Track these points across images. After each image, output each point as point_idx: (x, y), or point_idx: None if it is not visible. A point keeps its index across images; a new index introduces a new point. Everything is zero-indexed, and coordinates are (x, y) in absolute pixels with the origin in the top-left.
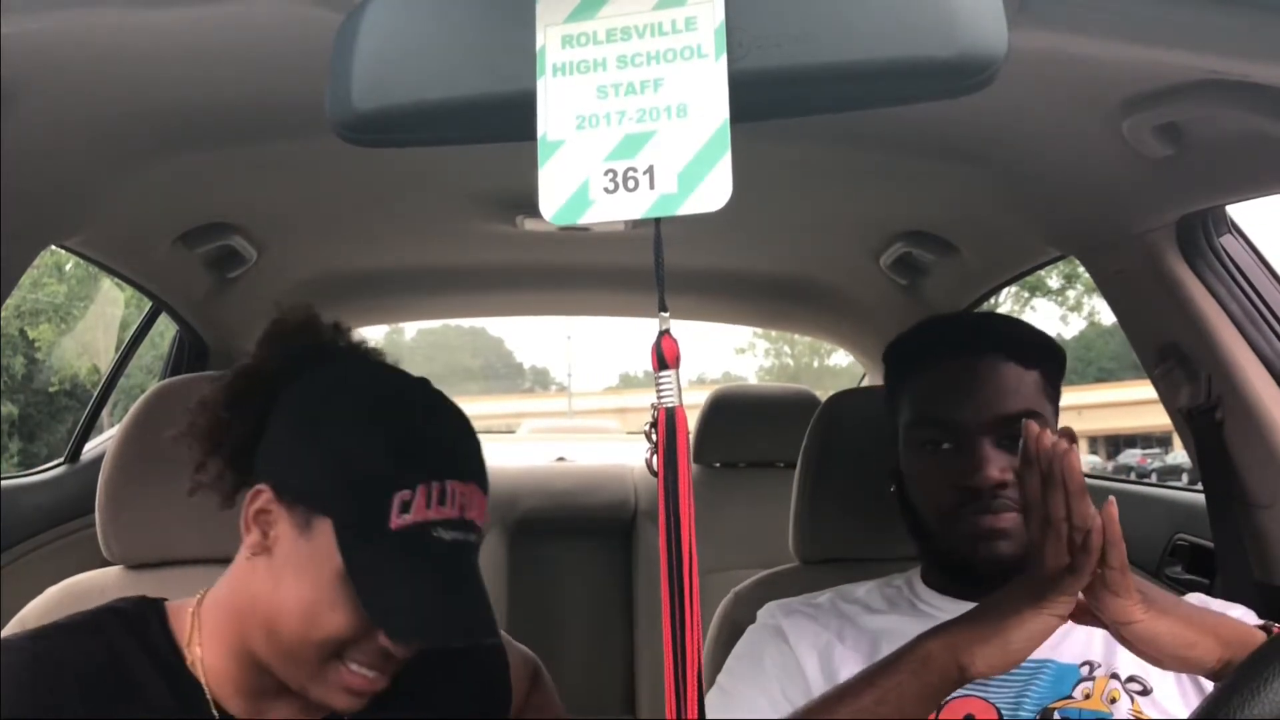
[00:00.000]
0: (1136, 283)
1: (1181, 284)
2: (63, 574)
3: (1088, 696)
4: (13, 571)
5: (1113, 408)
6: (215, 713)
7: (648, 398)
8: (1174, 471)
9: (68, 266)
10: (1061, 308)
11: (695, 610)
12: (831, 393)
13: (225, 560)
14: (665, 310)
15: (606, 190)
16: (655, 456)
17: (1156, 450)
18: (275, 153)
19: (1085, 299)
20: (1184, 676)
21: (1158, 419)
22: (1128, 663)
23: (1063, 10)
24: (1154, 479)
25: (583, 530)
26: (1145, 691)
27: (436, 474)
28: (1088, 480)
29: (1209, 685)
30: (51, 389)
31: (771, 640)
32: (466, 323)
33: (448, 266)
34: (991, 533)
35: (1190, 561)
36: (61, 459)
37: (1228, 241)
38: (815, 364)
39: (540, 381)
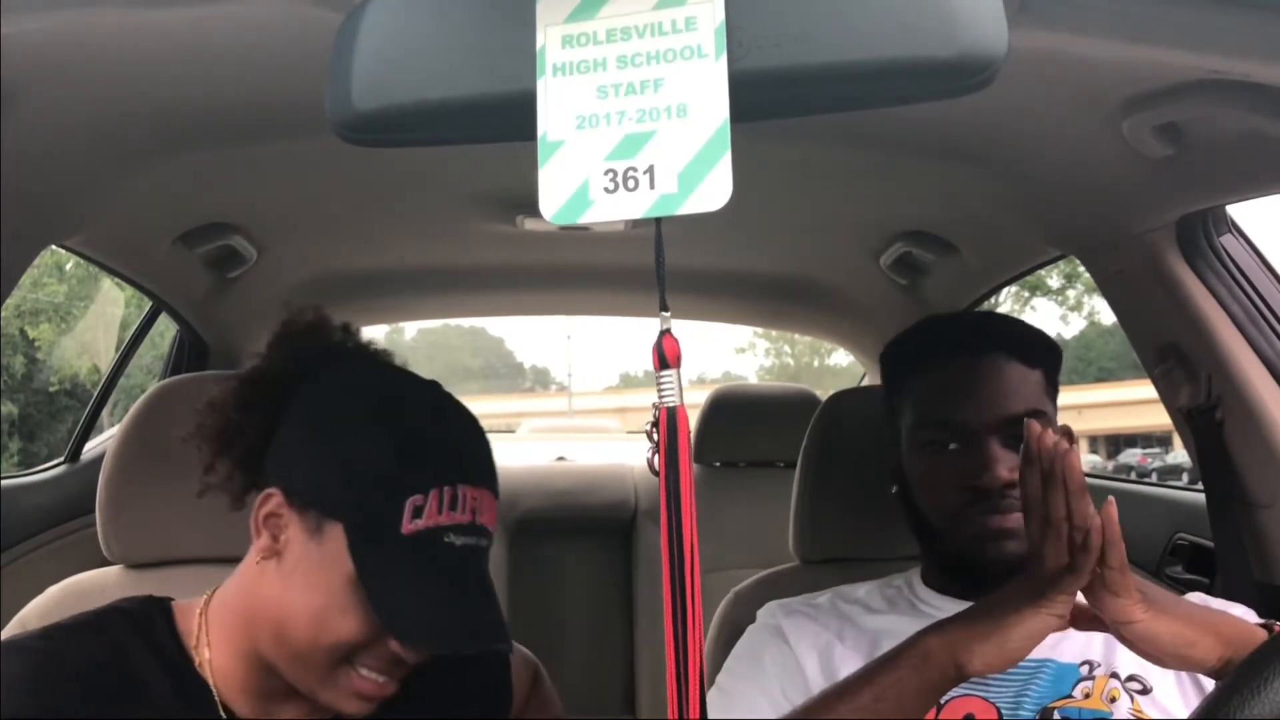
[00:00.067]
0: (1136, 283)
1: (1181, 284)
2: (63, 574)
3: (1087, 696)
4: (13, 571)
5: (1113, 407)
6: (223, 714)
7: (648, 397)
8: (1174, 471)
9: (68, 266)
10: (1061, 308)
11: (697, 610)
12: (831, 393)
13: (226, 559)
14: (666, 310)
15: (606, 190)
16: (656, 456)
17: (1157, 450)
18: (275, 153)
19: (1085, 299)
20: (1184, 675)
21: (1158, 419)
22: (1127, 662)
23: (1063, 10)
24: (1154, 479)
25: (583, 530)
26: (1145, 691)
27: (448, 479)
28: (1088, 480)
29: (1209, 684)
30: (51, 389)
31: (771, 640)
32: (466, 323)
33: (448, 266)
34: (1000, 533)
35: (1190, 561)
36: (61, 459)
37: (1228, 241)
38: (815, 364)
39: (540, 381)
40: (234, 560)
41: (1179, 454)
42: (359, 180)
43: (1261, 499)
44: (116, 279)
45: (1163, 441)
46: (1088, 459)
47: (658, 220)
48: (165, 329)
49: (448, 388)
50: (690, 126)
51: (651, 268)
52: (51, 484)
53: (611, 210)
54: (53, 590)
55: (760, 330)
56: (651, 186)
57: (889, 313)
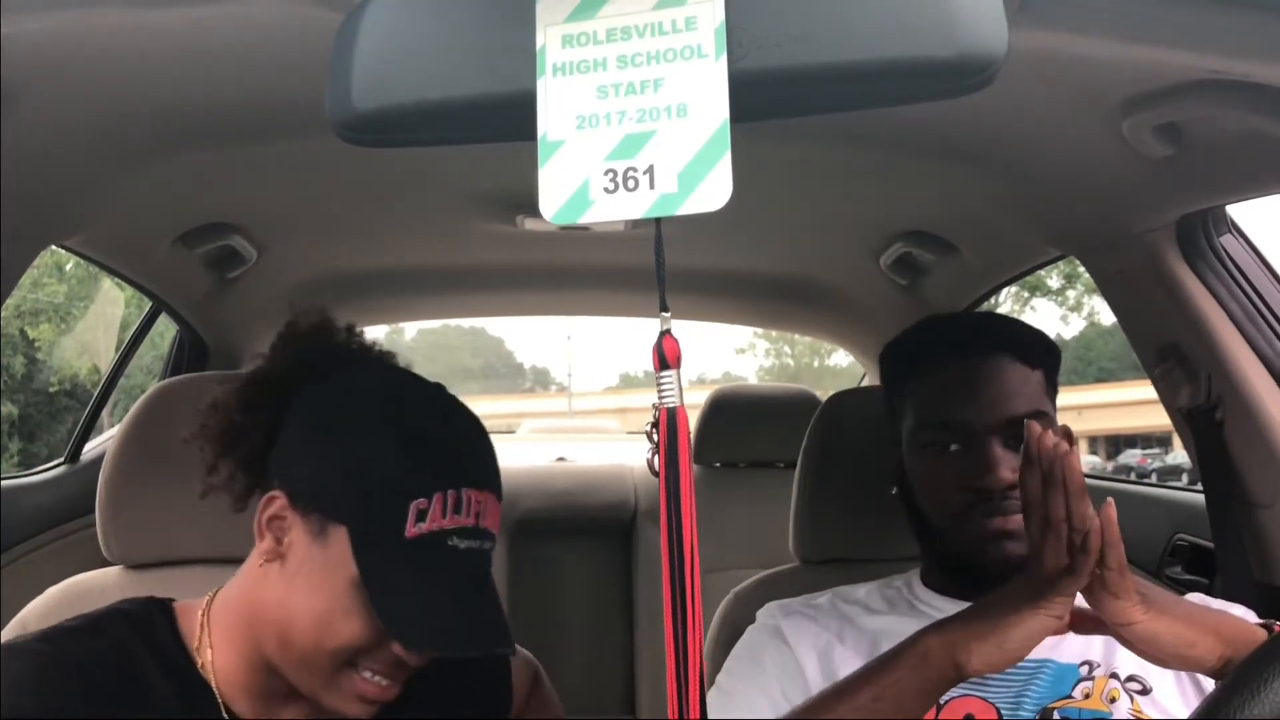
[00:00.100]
0: (1136, 283)
1: (1181, 284)
2: (63, 574)
3: (1087, 696)
4: (13, 571)
5: (1113, 408)
6: (225, 715)
7: (648, 398)
8: (1174, 471)
9: (68, 266)
10: (1061, 308)
11: (697, 610)
12: (831, 393)
13: (226, 560)
14: (666, 310)
15: (606, 190)
16: (656, 456)
17: (1156, 450)
18: (275, 153)
19: (1085, 299)
20: (1184, 676)
21: (1158, 419)
22: (1127, 662)
23: (1063, 10)
24: (1154, 479)
25: (583, 530)
26: (1145, 691)
27: (453, 482)
28: (1087, 480)
29: (1209, 684)
30: (51, 389)
31: (771, 640)
32: (466, 323)
33: (448, 266)
34: (1001, 534)
35: (1190, 561)
36: (61, 459)
37: (1228, 241)
38: (815, 364)
39: (540, 381)
40: (234, 560)
41: (1179, 454)
42: (359, 180)
43: (1261, 499)
44: (116, 279)
45: (1163, 442)
46: (1087, 459)
47: (658, 220)
48: (165, 329)
49: (447, 388)
50: (690, 126)
51: (651, 268)
52: (51, 484)
53: (611, 210)
54: (53, 590)
55: (760, 330)
56: (651, 186)
57: (889, 313)
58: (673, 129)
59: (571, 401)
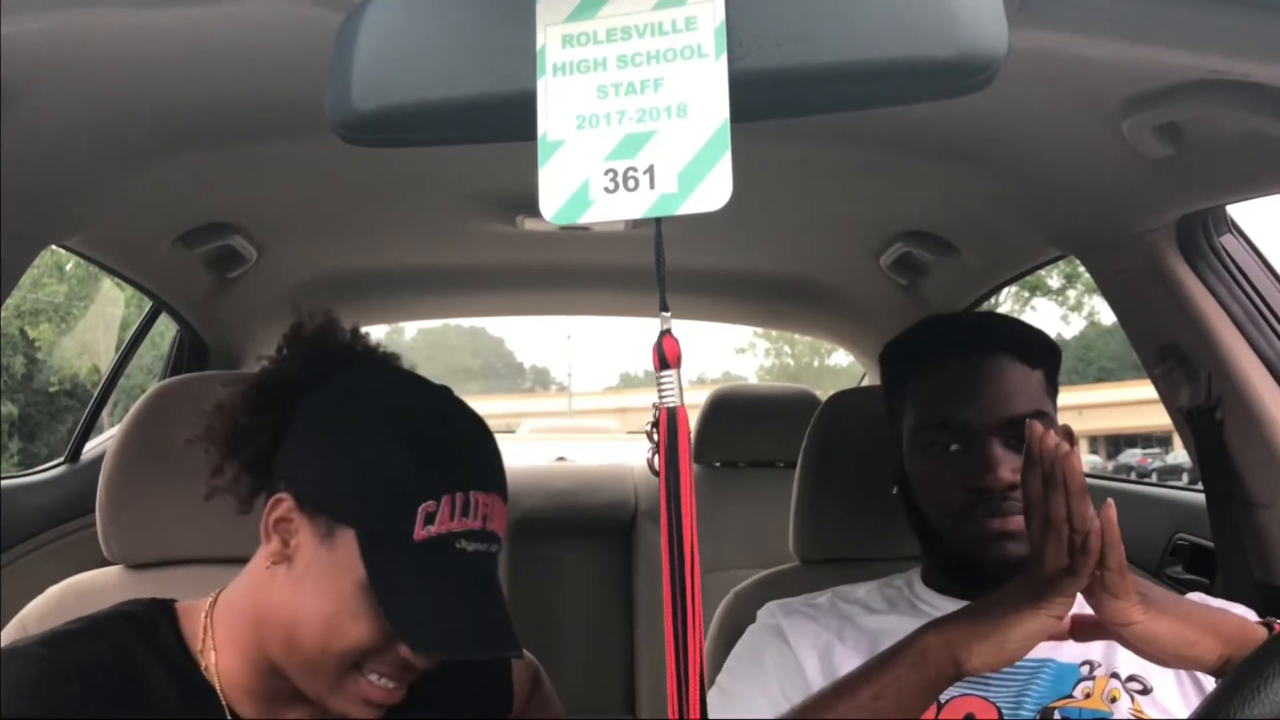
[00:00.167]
0: (1136, 283)
1: (1181, 284)
2: (63, 574)
3: (1088, 696)
4: (13, 571)
5: (1113, 407)
6: (229, 717)
7: (648, 397)
8: (1174, 471)
9: (68, 266)
10: (1061, 308)
11: (697, 610)
12: (831, 393)
13: (227, 559)
14: (666, 310)
15: (606, 190)
16: (656, 456)
17: (1156, 450)
18: (275, 153)
19: (1085, 299)
20: (1184, 676)
21: (1158, 419)
22: (1128, 662)
23: (1063, 10)
24: (1154, 479)
25: (583, 530)
26: (1145, 691)
27: (461, 485)
28: (1088, 480)
29: (1209, 684)
30: (51, 389)
31: (771, 640)
32: (466, 323)
33: (448, 266)
34: (1001, 535)
35: (1190, 561)
36: (61, 459)
37: (1228, 241)
38: (815, 364)
39: (540, 381)
40: (235, 560)
41: (1179, 454)
42: (359, 180)
43: (1261, 499)
44: (116, 279)
45: (1163, 441)
46: (1088, 459)
47: (658, 220)
48: (165, 329)
49: (445, 384)
50: (690, 126)
51: (651, 268)
52: (51, 484)
53: (611, 210)
54: (53, 590)
55: (760, 330)
56: (651, 186)
57: (889, 313)
58: (673, 129)
59: (571, 401)
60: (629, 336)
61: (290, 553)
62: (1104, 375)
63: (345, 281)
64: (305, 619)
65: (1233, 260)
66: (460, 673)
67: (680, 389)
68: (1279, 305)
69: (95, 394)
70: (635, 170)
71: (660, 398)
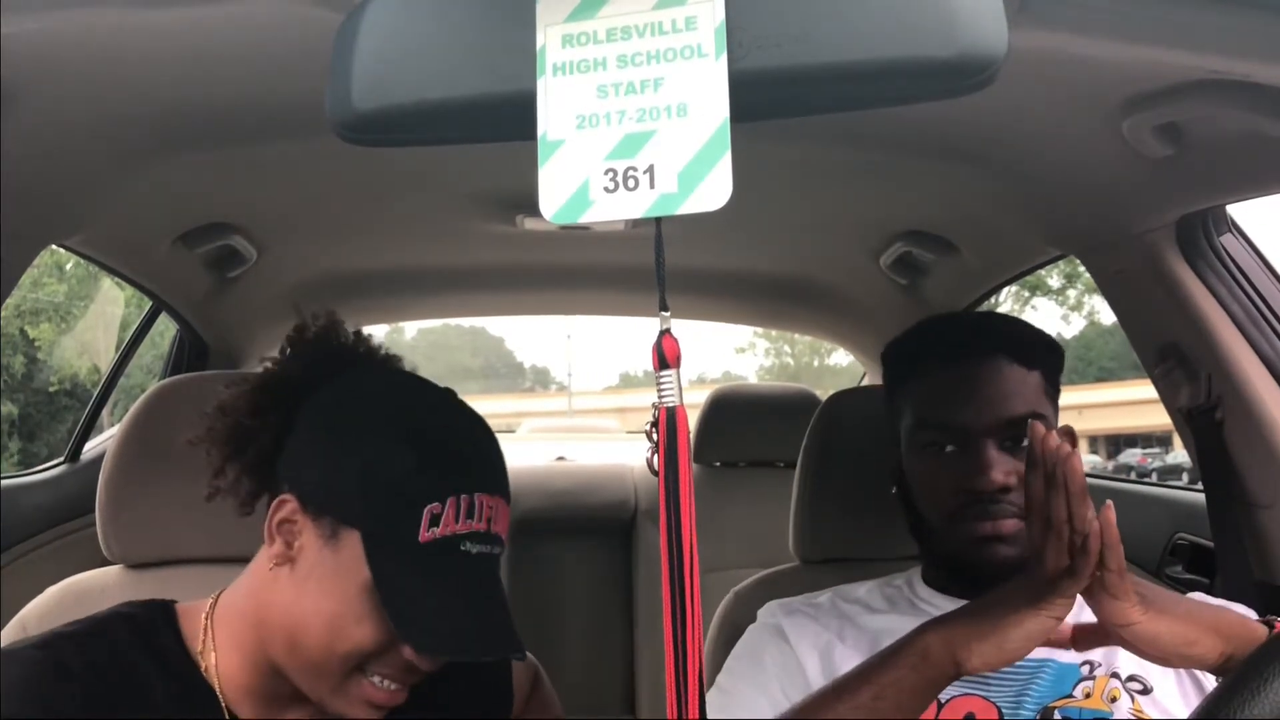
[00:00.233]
0: (1136, 283)
1: (1181, 284)
2: (63, 574)
3: (1088, 695)
4: (13, 571)
5: (1113, 407)
6: (228, 719)
7: (648, 397)
8: (1174, 471)
9: (68, 266)
10: (1062, 307)
11: (696, 609)
12: (831, 393)
13: (226, 559)
14: (666, 310)
15: (606, 190)
16: (656, 456)
17: (1156, 450)
18: (275, 153)
19: (1085, 299)
20: (1184, 675)
21: (1158, 419)
22: (1128, 662)
23: (1063, 10)
24: (1154, 479)
25: (583, 530)
26: (1145, 690)
27: (466, 487)
28: (1088, 480)
29: (1209, 684)
30: (51, 389)
31: (772, 640)
32: (466, 323)
33: (448, 266)
34: (992, 538)
35: (1190, 561)
36: (61, 459)
37: (1228, 241)
38: (815, 364)
39: (540, 381)
40: (235, 560)
41: (1179, 454)
42: (359, 180)
43: (1261, 499)
44: (116, 279)
45: (1163, 441)
46: (1088, 459)
47: (657, 220)
48: (165, 329)
49: (448, 386)
50: (690, 126)
51: (651, 267)
52: (51, 484)
53: (611, 210)
54: (52, 590)
55: (760, 330)
56: (651, 186)
57: (889, 313)
58: (673, 129)
59: (571, 401)
60: (629, 336)
61: (294, 554)
62: (1104, 375)
63: (345, 281)
64: (309, 620)
65: (1233, 260)
66: (461, 673)
67: (680, 389)
68: (1279, 305)
69: (95, 394)
70: (635, 170)
71: (660, 397)
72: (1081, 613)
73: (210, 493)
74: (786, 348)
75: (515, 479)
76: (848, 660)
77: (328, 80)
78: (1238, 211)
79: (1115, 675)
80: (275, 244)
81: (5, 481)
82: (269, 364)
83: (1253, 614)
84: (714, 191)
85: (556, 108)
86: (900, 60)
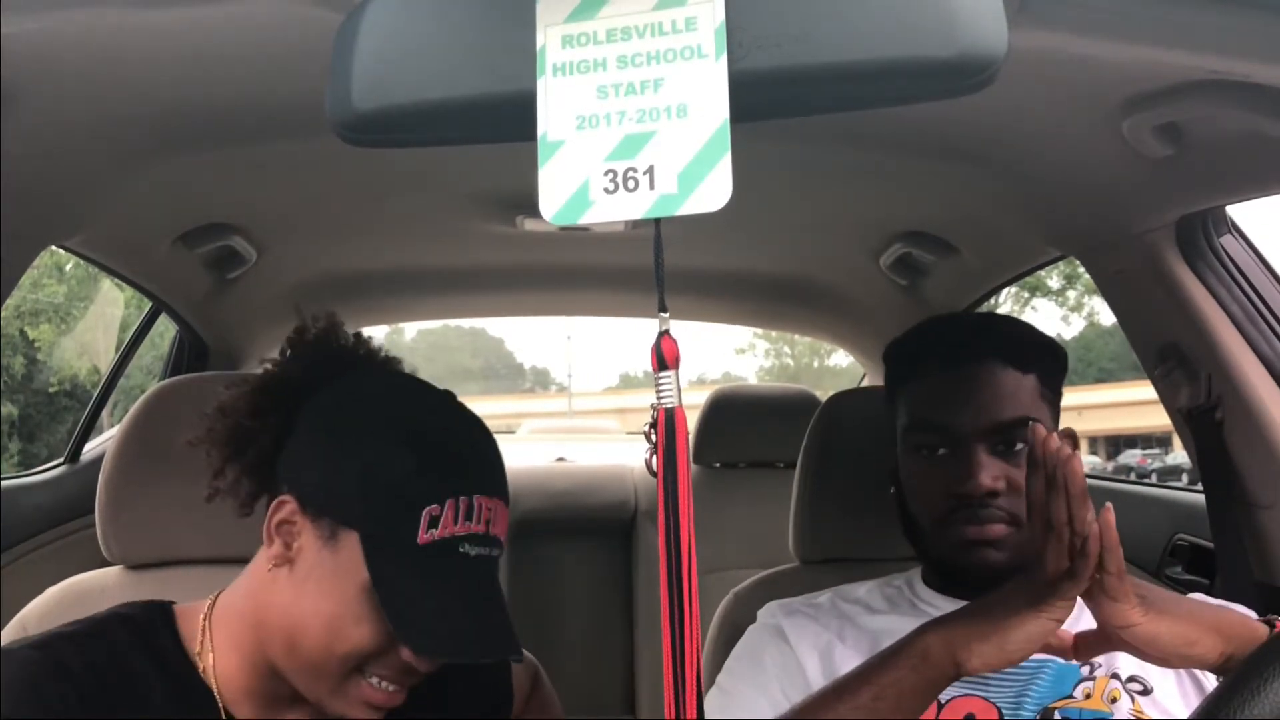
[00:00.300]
0: (1136, 283)
1: (1181, 284)
2: (63, 574)
3: (1088, 696)
4: (13, 571)
5: (1113, 408)
6: (226, 719)
7: (648, 398)
8: (1174, 471)
9: (68, 266)
10: (1062, 308)
11: (694, 610)
12: (831, 393)
13: (226, 560)
14: (665, 311)
15: (606, 190)
16: (655, 457)
17: (1156, 450)
18: (275, 153)
19: (1085, 299)
20: (1184, 676)
21: (1158, 419)
22: (1128, 662)
23: (1063, 10)
24: (1154, 479)
25: (583, 530)
26: (1146, 691)
27: (465, 489)
28: (1088, 480)
29: (1209, 684)
30: (51, 389)
31: (772, 640)
32: (466, 323)
33: (448, 266)
34: (979, 542)
35: (1190, 561)
36: (61, 459)
37: (1228, 241)
38: (815, 364)
39: (540, 381)
40: (235, 561)
41: (1179, 454)
42: (359, 180)
43: (1261, 499)
44: (116, 279)
45: (1163, 442)
46: (1088, 459)
47: (657, 221)
48: (165, 329)
49: (447, 388)
50: (690, 126)
51: (651, 268)
52: (51, 484)
53: (611, 211)
54: (52, 591)
55: (760, 331)
56: (651, 187)
57: (889, 313)
58: (673, 129)
59: (571, 402)
60: (629, 337)
61: (293, 555)
62: (1104, 376)
63: (345, 282)
64: (307, 621)
65: (1232, 260)
66: (461, 674)
67: (679, 390)
68: (1278, 305)
69: (95, 394)
70: (635, 171)
71: (659, 398)
72: (1081, 614)
73: (210, 493)
74: (786, 349)
75: (515, 480)
76: (848, 661)
77: (328, 80)
78: (1238, 212)
79: (1115, 676)
80: (275, 244)
81: (5, 482)
82: (269, 365)
83: (1253, 614)
84: (714, 192)
85: (556, 108)
86: (900, 60)
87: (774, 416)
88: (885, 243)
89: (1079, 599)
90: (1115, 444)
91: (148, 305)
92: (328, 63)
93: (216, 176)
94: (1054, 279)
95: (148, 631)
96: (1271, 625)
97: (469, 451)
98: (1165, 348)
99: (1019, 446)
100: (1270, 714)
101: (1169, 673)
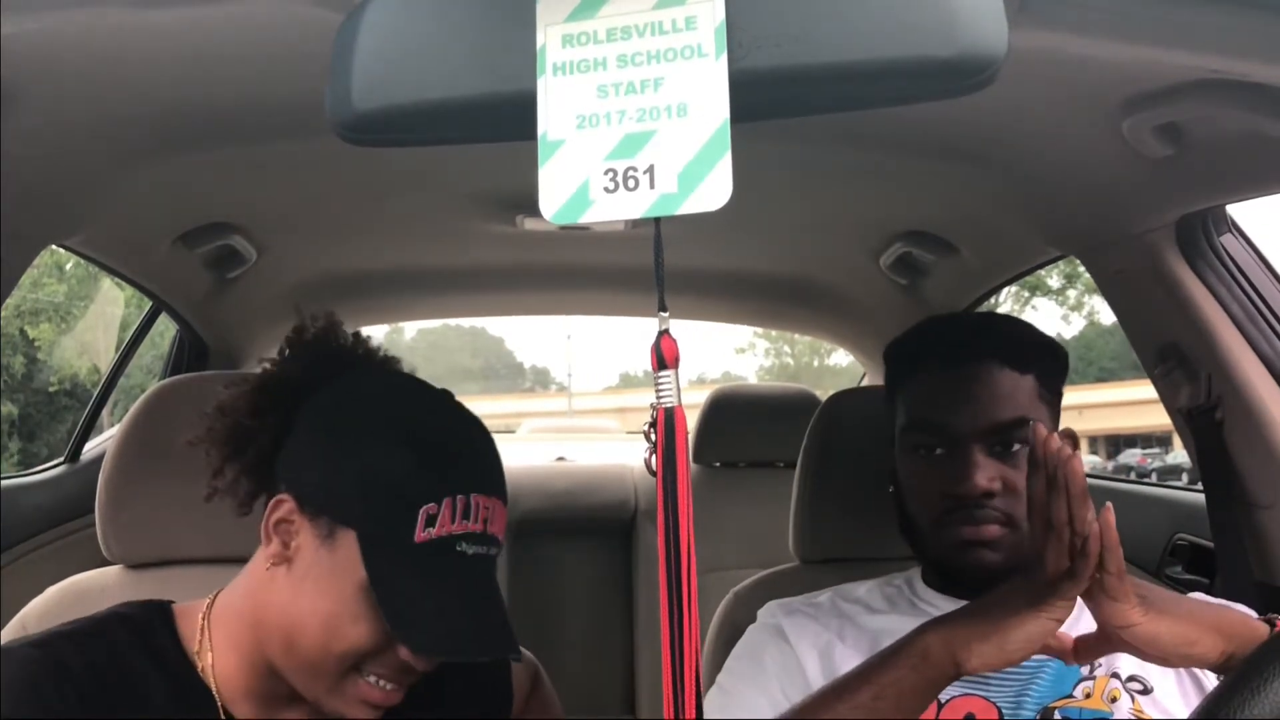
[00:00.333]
0: (1136, 283)
1: (1181, 284)
2: (63, 574)
3: (1088, 695)
4: (13, 571)
5: (1113, 407)
6: (224, 718)
7: (648, 397)
8: (1174, 471)
9: (68, 266)
10: (1062, 308)
11: (693, 610)
12: (831, 393)
13: (226, 559)
14: (665, 310)
15: (606, 190)
16: (654, 456)
17: (1156, 450)
18: (275, 153)
19: (1085, 299)
20: (1185, 675)
21: (1158, 419)
22: (1128, 662)
23: (1063, 10)
24: (1154, 479)
25: (583, 530)
26: (1146, 690)
27: (462, 488)
28: (1088, 480)
29: (1209, 684)
30: (51, 389)
31: (772, 639)
32: (466, 323)
33: (448, 266)
34: (974, 543)
35: (1190, 561)
36: (61, 459)
37: (1228, 241)
38: (815, 364)
39: (540, 381)
40: (235, 560)
41: (1179, 454)
42: (359, 180)
43: (1261, 499)
44: (116, 279)
45: (1163, 441)
46: (1088, 459)
47: (657, 220)
48: (165, 329)
49: (447, 388)
50: (690, 126)
51: (651, 268)
52: (51, 484)
53: (611, 210)
54: (52, 590)
55: (760, 330)
56: (651, 186)
57: (889, 313)
58: (673, 129)
59: (571, 401)
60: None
61: (290, 554)
62: (1104, 375)
63: (345, 281)
64: (305, 620)
65: (1233, 260)
66: (461, 673)
67: (678, 389)
68: (1279, 305)
69: (95, 394)
70: (635, 170)
71: (658, 398)
72: (1081, 614)
73: (209, 493)
74: (786, 348)
75: (515, 480)
76: (848, 660)
77: (328, 80)
78: (1238, 211)
79: (1115, 675)
80: (275, 244)
81: (5, 481)
82: (268, 365)
83: (1253, 614)
84: (714, 192)
85: (556, 108)
86: (900, 60)
87: (774, 416)
88: (885, 242)
89: (1079, 599)
90: (1115, 443)
91: (148, 305)
92: (328, 63)
93: (216, 176)
94: (1054, 279)
95: (147, 631)
96: (1272, 624)
97: (466, 450)
98: (1165, 347)
99: (1016, 447)
100: (1270, 714)
101: (1169, 672)
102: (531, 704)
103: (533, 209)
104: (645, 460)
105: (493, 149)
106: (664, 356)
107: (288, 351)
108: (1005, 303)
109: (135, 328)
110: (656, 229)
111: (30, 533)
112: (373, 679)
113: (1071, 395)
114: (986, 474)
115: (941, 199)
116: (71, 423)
